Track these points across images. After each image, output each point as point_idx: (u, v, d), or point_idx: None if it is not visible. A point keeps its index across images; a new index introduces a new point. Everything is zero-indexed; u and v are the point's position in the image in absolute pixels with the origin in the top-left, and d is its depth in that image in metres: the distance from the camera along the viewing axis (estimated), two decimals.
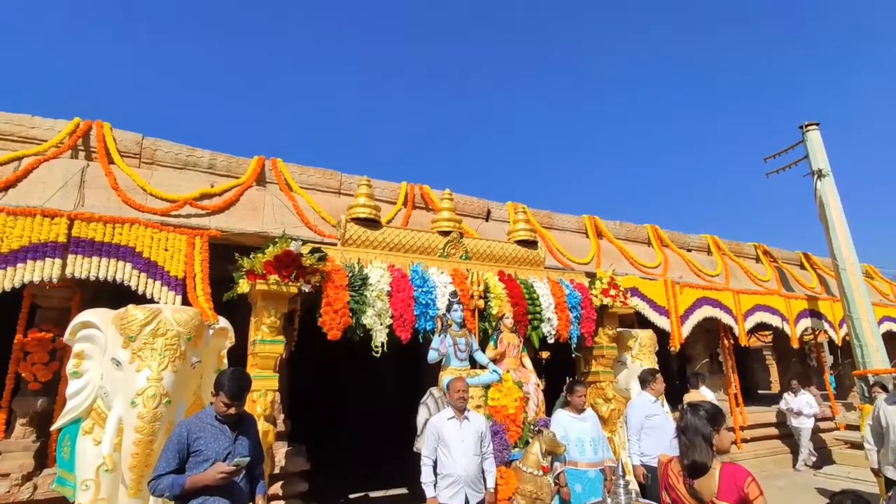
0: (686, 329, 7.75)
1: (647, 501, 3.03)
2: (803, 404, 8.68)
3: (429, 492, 3.63)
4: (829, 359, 12.87)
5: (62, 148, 5.16)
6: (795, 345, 9.35)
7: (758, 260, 10.88)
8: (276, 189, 6.18)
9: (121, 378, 3.60)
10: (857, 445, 7.92)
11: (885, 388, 6.34)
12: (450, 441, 3.66)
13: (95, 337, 3.81)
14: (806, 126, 9.64)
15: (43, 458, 4.48)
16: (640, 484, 4.42)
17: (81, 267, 4.27)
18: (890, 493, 2.18)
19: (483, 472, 3.74)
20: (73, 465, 3.74)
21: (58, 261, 4.19)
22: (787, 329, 9.09)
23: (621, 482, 3.04)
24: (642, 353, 6.57)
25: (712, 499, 2.17)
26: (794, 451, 8.79)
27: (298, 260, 4.24)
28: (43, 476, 4.34)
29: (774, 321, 8.94)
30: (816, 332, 10.97)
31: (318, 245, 4.51)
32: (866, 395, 8.15)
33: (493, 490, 3.78)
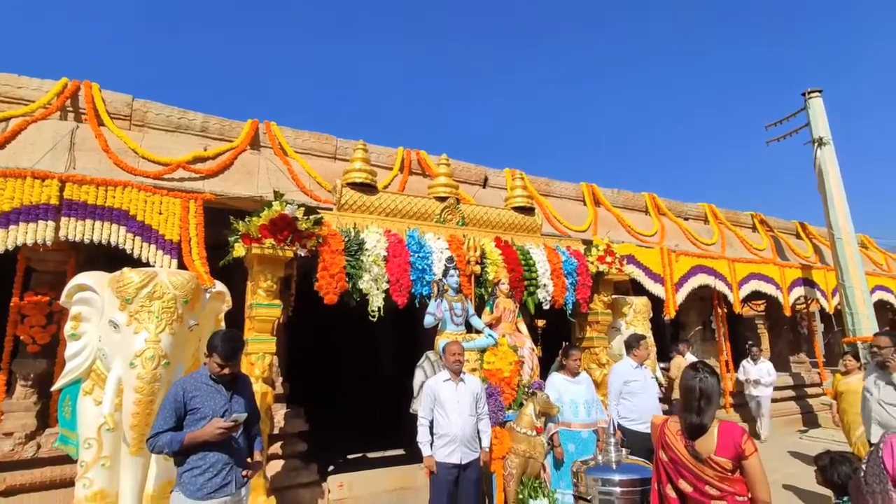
0: (680, 296, 7.81)
1: (637, 458, 3.11)
2: (763, 373, 8.38)
3: (425, 450, 3.72)
4: (819, 327, 13.06)
5: (50, 109, 5.04)
6: (788, 313, 9.47)
7: (754, 229, 10.90)
8: (270, 153, 6.09)
9: (119, 340, 3.64)
10: None
11: (857, 357, 6.30)
12: (446, 402, 3.74)
13: (92, 300, 3.82)
14: (808, 93, 9.50)
15: (45, 418, 4.55)
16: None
17: (75, 230, 4.24)
18: (870, 452, 2.24)
19: (478, 432, 3.83)
20: (75, 425, 3.81)
21: (51, 223, 4.15)
22: (780, 297, 9.18)
23: (612, 440, 3.12)
24: (636, 319, 6.65)
25: (710, 455, 2.22)
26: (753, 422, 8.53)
27: (294, 224, 4.21)
28: (46, 435, 4.42)
29: (769, 289, 9.02)
30: (809, 301, 11.09)
31: (313, 209, 4.47)
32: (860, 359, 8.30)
33: (488, 449, 3.88)
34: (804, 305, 11.51)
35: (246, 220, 4.10)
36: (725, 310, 9.56)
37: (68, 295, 3.82)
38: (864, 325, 8.29)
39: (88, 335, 3.83)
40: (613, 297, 6.39)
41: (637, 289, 7.68)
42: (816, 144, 9.21)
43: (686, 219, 9.87)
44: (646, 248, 7.83)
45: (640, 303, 6.74)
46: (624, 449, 3.10)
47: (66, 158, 4.74)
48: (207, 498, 2.59)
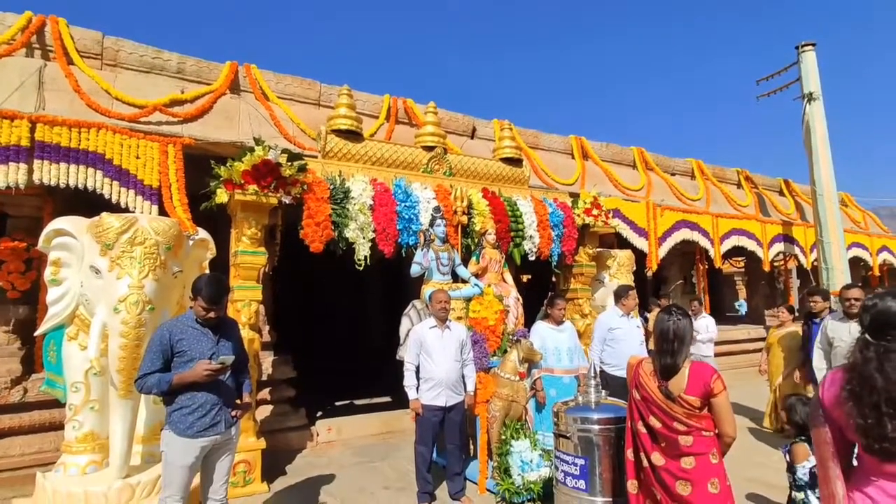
0: (663, 250, 7.93)
1: (615, 399, 3.23)
2: (701, 327, 7.92)
3: (411, 394, 3.82)
4: (795, 283, 13.45)
5: (14, 45, 4.75)
6: (767, 268, 9.70)
7: (739, 185, 10.98)
8: (251, 98, 5.87)
9: (101, 286, 3.59)
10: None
11: (791, 311, 6.40)
12: (432, 348, 3.81)
13: (71, 245, 3.74)
14: (802, 46, 9.37)
15: (30, 364, 4.55)
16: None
17: (49, 173, 4.09)
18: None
19: (463, 377, 3.93)
20: (61, 369, 3.82)
21: (23, 165, 4.00)
22: (760, 253, 9.38)
23: (592, 382, 3.23)
24: (620, 272, 6.75)
25: (680, 394, 2.31)
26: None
27: (277, 170, 4.12)
28: (32, 380, 4.43)
29: (750, 245, 9.20)
30: (787, 258, 11.37)
31: (297, 154, 4.36)
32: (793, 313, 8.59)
33: (473, 393, 4.00)
34: (782, 262, 11.80)
35: (228, 164, 3.99)
36: (706, 266, 9.76)
37: (46, 240, 3.73)
38: (838, 280, 8.54)
39: (69, 281, 3.78)
40: (598, 249, 6.46)
41: (621, 243, 7.77)
42: (806, 100, 9.18)
43: (673, 174, 9.89)
44: (632, 202, 7.86)
45: (623, 256, 6.83)
46: (603, 391, 3.21)
47: (35, 98, 4.52)
48: (197, 436, 2.63)
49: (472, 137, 7.63)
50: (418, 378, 3.86)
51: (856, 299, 4.09)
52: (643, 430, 2.44)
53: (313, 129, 5.80)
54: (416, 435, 3.84)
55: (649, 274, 8.19)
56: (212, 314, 2.73)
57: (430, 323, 3.93)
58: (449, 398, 3.77)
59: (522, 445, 4.10)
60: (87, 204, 4.52)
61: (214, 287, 2.74)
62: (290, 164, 4.21)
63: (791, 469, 2.83)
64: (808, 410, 2.80)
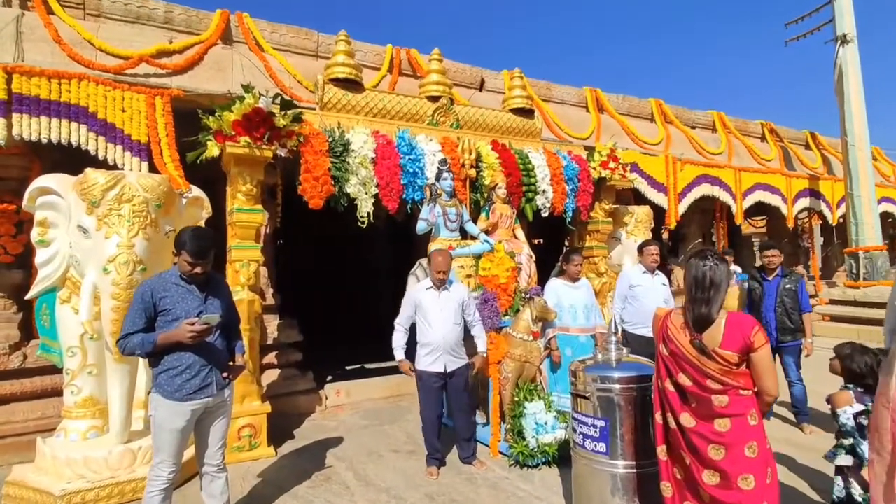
0: (683, 206, 7.57)
1: (637, 357, 3.00)
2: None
3: (397, 354, 3.64)
4: (819, 241, 12.98)
5: None
6: (791, 224, 9.29)
7: (763, 139, 10.43)
8: (244, 49, 5.52)
9: (90, 246, 3.42)
10: (838, 318, 8.20)
11: None
12: (428, 310, 3.59)
13: (57, 204, 3.55)
14: None
15: (29, 329, 4.42)
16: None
17: (29, 127, 3.85)
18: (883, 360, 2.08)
19: (464, 340, 3.71)
20: (56, 333, 3.68)
21: (0, 119, 3.76)
22: (784, 209, 8.95)
23: (612, 339, 2.99)
24: (637, 229, 6.43)
25: (715, 348, 2.06)
26: None
27: (270, 120, 3.83)
28: (31, 346, 4.31)
29: (773, 200, 8.77)
30: (811, 215, 10.91)
31: (290, 101, 4.06)
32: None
33: (484, 354, 3.79)
34: (806, 220, 11.34)
35: (217, 114, 3.70)
36: (726, 223, 9.38)
37: (30, 199, 3.55)
38: (868, 234, 8.14)
39: (58, 242, 3.61)
40: (614, 206, 6.13)
41: (638, 199, 7.41)
42: (839, 43, 8.54)
43: (693, 127, 9.39)
44: (650, 155, 7.46)
45: (641, 212, 6.49)
46: (624, 348, 2.98)
47: (13, 49, 4.24)
48: (187, 399, 2.46)
49: (480, 90, 7.22)
50: (416, 343, 3.67)
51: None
52: (671, 388, 2.20)
53: (311, 81, 5.46)
54: (420, 403, 3.67)
55: (665, 234, 7.84)
56: (198, 269, 2.52)
57: (427, 284, 3.69)
58: (449, 363, 3.56)
59: (536, 407, 3.92)
60: (76, 163, 4.29)
61: (200, 240, 2.52)
62: (283, 113, 3.91)
63: (833, 415, 2.65)
64: (869, 360, 2.58)
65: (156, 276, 2.62)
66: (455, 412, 3.77)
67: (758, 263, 5.54)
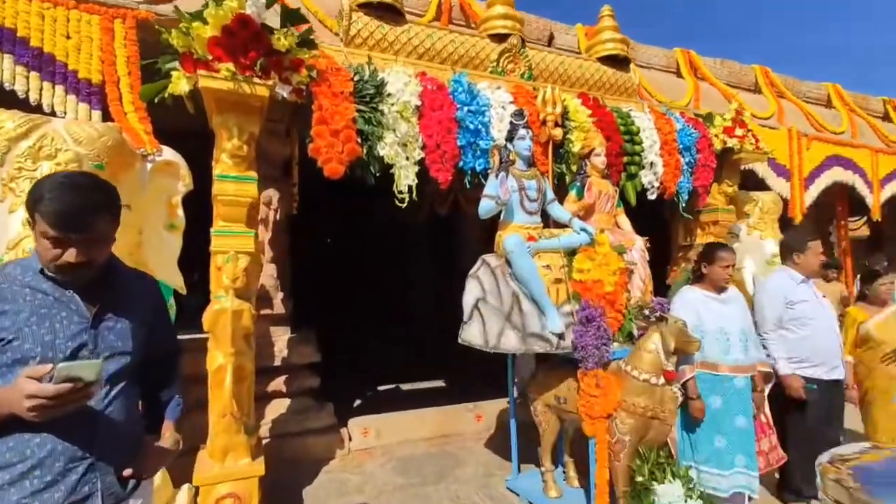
0: (810, 196, 5.91)
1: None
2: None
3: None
4: None
5: None
6: None
7: (885, 118, 8.53)
8: None
9: None
10: None
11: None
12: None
13: None
14: None
15: None
16: (796, 401, 2.93)
17: None
18: None
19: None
20: None
21: None
22: None
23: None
24: (763, 222, 4.82)
25: None
26: None
27: (265, 37, 2.51)
28: None
29: None
30: None
31: (296, 12, 2.73)
32: None
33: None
34: None
35: (183, 27, 2.41)
36: (846, 221, 7.57)
37: None
38: None
39: None
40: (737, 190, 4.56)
41: (753, 184, 5.78)
42: None
43: (804, 101, 7.63)
44: (769, 128, 5.82)
45: (768, 199, 4.89)
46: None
47: None
48: None
49: (548, 45, 5.77)
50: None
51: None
52: None
53: (338, 21, 4.15)
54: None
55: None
56: (72, 254, 1.21)
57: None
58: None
59: (672, 492, 2.45)
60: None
61: (71, 191, 1.21)
62: (286, 30, 2.59)
63: None
64: None
65: None
66: None
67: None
